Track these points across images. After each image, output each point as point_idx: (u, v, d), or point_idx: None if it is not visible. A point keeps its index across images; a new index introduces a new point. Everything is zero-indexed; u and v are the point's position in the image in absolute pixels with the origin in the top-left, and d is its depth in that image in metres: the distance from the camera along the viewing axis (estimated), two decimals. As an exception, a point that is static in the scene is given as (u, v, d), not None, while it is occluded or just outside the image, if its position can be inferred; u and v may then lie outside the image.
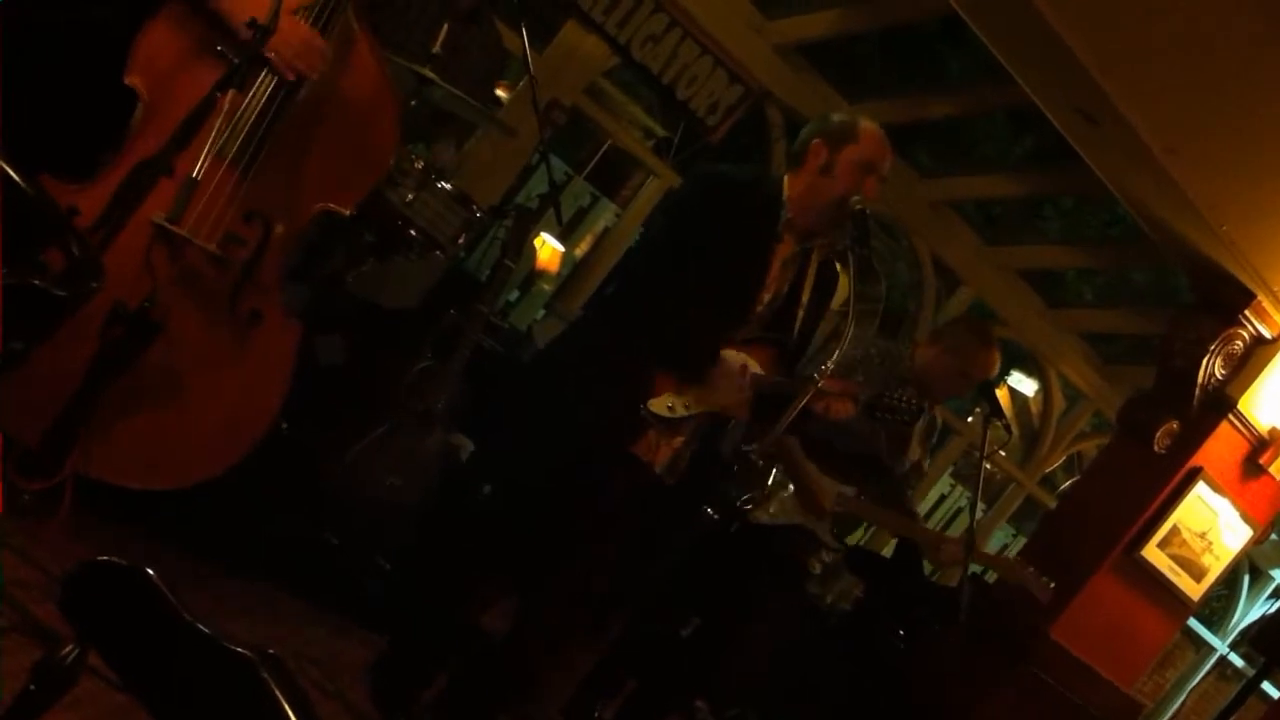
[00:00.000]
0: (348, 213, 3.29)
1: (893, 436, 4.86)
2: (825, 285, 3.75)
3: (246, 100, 2.96)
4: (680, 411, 3.50)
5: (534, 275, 8.68)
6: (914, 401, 3.73)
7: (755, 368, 3.60)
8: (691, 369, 3.51)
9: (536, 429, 3.64)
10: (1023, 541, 9.09)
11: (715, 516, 4.15)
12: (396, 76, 3.54)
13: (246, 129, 2.97)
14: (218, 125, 2.91)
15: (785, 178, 3.64)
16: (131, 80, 2.89)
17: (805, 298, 3.70)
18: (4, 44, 2.74)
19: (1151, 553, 5.80)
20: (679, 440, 3.57)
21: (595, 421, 3.46)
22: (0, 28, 2.65)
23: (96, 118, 2.96)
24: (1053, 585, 4.62)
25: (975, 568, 5.42)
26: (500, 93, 5.96)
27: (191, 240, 2.90)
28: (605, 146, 9.16)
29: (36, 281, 1.84)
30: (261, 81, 2.98)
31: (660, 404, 3.48)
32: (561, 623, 3.68)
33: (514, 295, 8.45)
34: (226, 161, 2.95)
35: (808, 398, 3.40)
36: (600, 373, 3.47)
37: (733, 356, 3.57)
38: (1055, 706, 5.75)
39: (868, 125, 3.62)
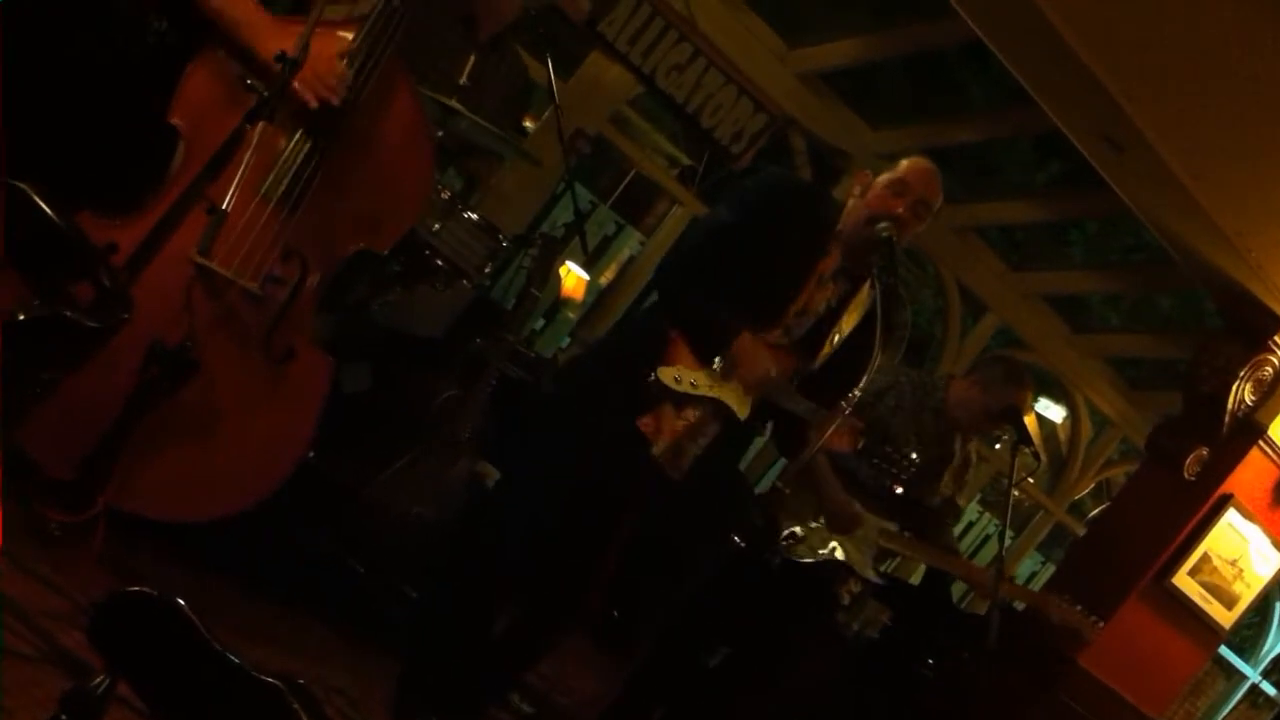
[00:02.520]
0: (385, 253, 3.33)
1: (926, 470, 4.87)
2: (870, 324, 3.69)
3: (291, 143, 2.99)
4: (687, 386, 3.47)
5: (559, 303, 8.69)
6: (909, 464, 3.74)
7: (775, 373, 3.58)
8: (709, 340, 3.50)
9: (556, 433, 3.63)
10: (1051, 569, 9.03)
11: (741, 544, 4.14)
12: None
13: (291, 172, 2.99)
14: (261, 166, 2.93)
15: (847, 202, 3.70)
16: (175, 120, 2.93)
17: (845, 326, 3.70)
18: (51, 82, 2.79)
19: (1182, 580, 5.75)
20: (682, 424, 3.52)
21: (605, 393, 3.46)
22: (43, 68, 2.71)
23: (142, 154, 3.00)
24: (1100, 624, 4.61)
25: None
26: (526, 123, 5.99)
27: (235, 281, 2.93)
28: (630, 175, 9.19)
29: (67, 313, 1.85)
30: (303, 125, 3.01)
31: (669, 373, 3.47)
32: (556, 617, 3.69)
33: (539, 323, 8.46)
34: (271, 204, 2.98)
35: (820, 424, 3.40)
36: (618, 337, 3.48)
37: (763, 352, 3.55)
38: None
39: (914, 159, 3.70)
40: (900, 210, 3.57)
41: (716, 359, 3.52)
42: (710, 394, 3.52)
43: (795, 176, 3.84)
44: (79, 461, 2.73)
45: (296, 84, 2.92)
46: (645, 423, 3.47)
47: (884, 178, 3.63)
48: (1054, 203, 7.64)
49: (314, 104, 2.98)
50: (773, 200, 3.65)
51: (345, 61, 3.03)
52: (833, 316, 3.69)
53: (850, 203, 3.67)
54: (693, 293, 3.52)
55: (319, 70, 2.95)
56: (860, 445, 3.68)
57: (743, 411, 3.59)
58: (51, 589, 2.72)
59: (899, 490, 4.74)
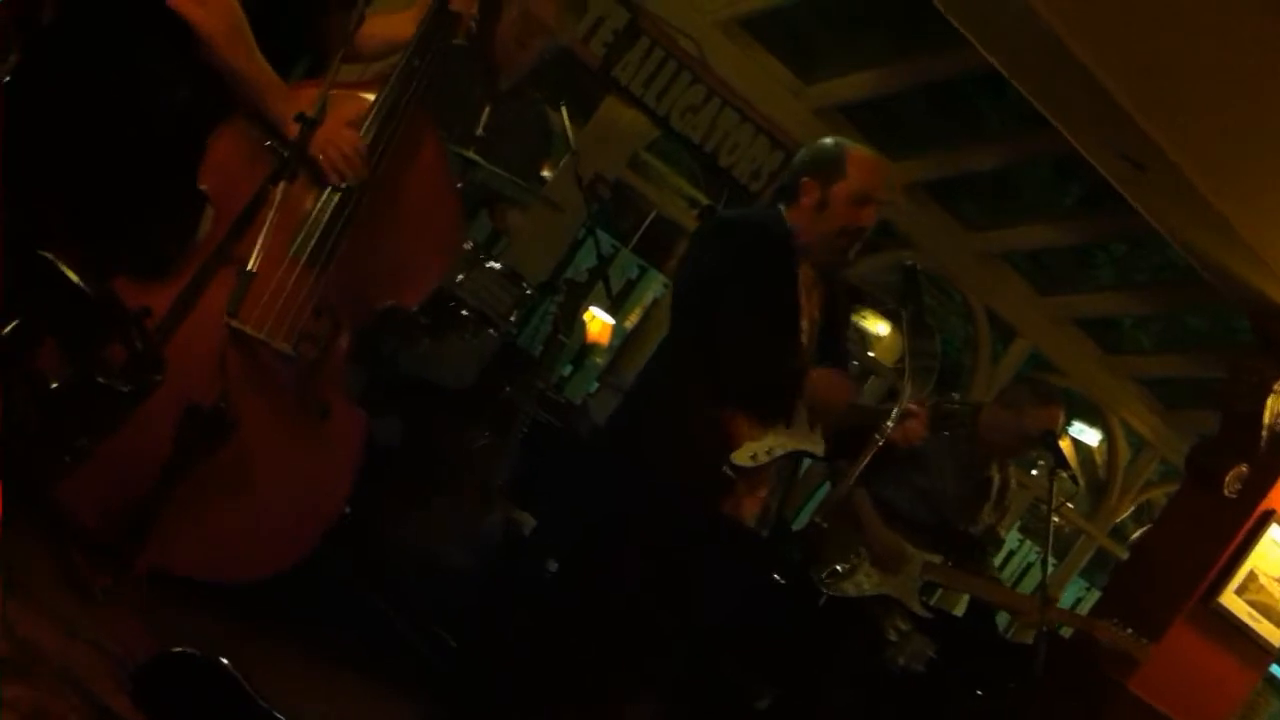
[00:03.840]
0: (413, 309, 3.35)
1: (965, 499, 4.84)
2: (846, 304, 3.76)
3: (319, 203, 3.02)
4: (764, 459, 3.46)
5: (586, 349, 8.70)
6: (964, 403, 3.71)
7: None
8: (769, 403, 3.49)
9: (615, 505, 3.61)
10: (1096, 595, 8.93)
11: (782, 581, 4.12)
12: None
13: (320, 230, 3.02)
14: (287, 226, 2.96)
15: (782, 209, 3.63)
16: (203, 184, 2.98)
17: (838, 318, 3.70)
18: (82, 152, 2.83)
19: (1229, 600, 5.68)
20: (764, 490, 3.53)
21: (681, 487, 3.44)
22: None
23: (173, 219, 3.03)
24: (1149, 645, 4.56)
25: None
26: (545, 172, 6.03)
27: (268, 343, 2.95)
28: (650, 217, 9.21)
29: (100, 378, 1.86)
30: (330, 184, 3.04)
31: (743, 455, 3.45)
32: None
33: (567, 369, 8.47)
34: (302, 262, 3.00)
35: (876, 446, 3.38)
36: (674, 437, 3.45)
37: (830, 377, 3.54)
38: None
39: (856, 154, 3.60)
40: (871, 221, 3.56)
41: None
42: (789, 450, 3.51)
43: (731, 215, 3.82)
44: (120, 524, 2.74)
45: (320, 157, 2.95)
46: (728, 506, 3.47)
47: (843, 191, 3.55)
48: (1078, 225, 7.61)
49: (339, 183, 3.01)
50: (728, 245, 3.61)
51: (364, 132, 3.06)
52: (830, 321, 3.69)
53: (803, 214, 3.58)
54: (742, 370, 3.49)
55: (340, 147, 2.98)
56: (932, 430, 3.64)
57: (821, 448, 3.59)
58: (96, 650, 2.72)
59: (939, 521, 4.73)
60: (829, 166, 3.57)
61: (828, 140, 3.69)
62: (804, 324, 3.62)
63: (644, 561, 3.48)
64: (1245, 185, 5.03)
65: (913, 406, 3.47)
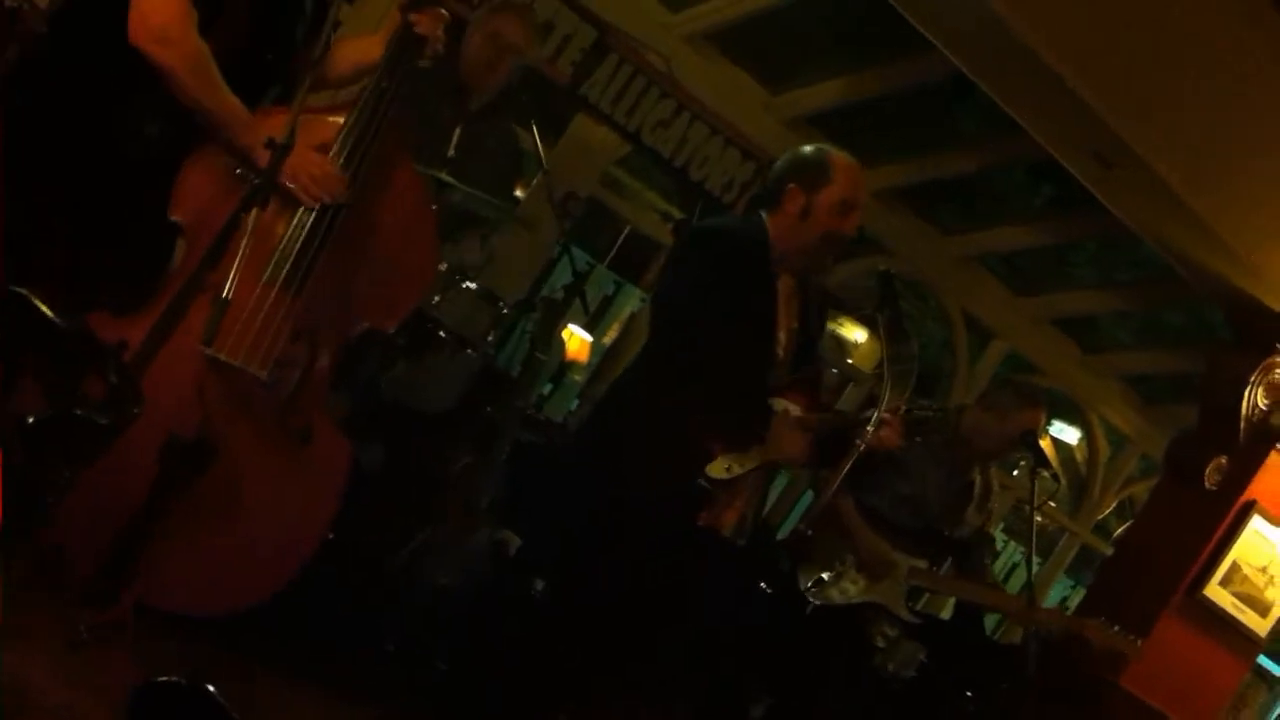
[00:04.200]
0: (391, 330, 3.34)
1: (948, 503, 4.86)
2: (823, 311, 3.79)
3: (292, 228, 3.02)
4: (739, 470, 3.48)
5: (565, 367, 8.70)
6: (936, 408, 3.73)
7: (796, 412, 3.57)
8: (749, 423, 3.50)
9: (588, 518, 3.62)
10: (1082, 592, 8.95)
11: (769, 590, 4.13)
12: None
13: (294, 255, 3.02)
14: (261, 252, 2.95)
15: (765, 217, 3.63)
16: (175, 216, 2.97)
17: (813, 329, 3.71)
18: (53, 190, 2.83)
19: (1214, 591, 5.71)
20: (740, 500, 3.54)
21: (655, 495, 3.44)
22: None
23: (146, 252, 3.03)
24: (1139, 642, 4.58)
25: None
26: (518, 192, 6.04)
27: (245, 369, 2.94)
28: (625, 233, 9.23)
29: (78, 411, 1.86)
30: (302, 209, 3.03)
31: (718, 468, 3.46)
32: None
33: (547, 388, 8.46)
34: (276, 287, 3.00)
35: (856, 454, 3.39)
36: (649, 450, 3.46)
37: (785, 431, 3.55)
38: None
39: (840, 161, 3.62)
40: (853, 229, 3.58)
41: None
42: (762, 461, 3.52)
43: (710, 224, 3.84)
44: (104, 558, 2.73)
45: (292, 184, 2.95)
46: (704, 518, 3.47)
47: (827, 198, 3.57)
48: (1052, 226, 7.64)
49: (313, 204, 3.00)
50: (705, 254, 3.63)
51: (334, 155, 3.06)
52: (806, 330, 3.70)
53: (786, 221, 3.59)
54: (717, 382, 3.49)
55: (310, 170, 2.98)
56: (905, 437, 3.65)
57: (801, 460, 3.60)
58: (83, 688, 2.70)
59: (923, 526, 4.74)
60: (814, 173, 3.58)
61: (808, 147, 3.70)
62: (781, 335, 3.63)
63: (623, 572, 3.48)
64: (1215, 179, 5.08)
65: (886, 414, 3.48)
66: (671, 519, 3.47)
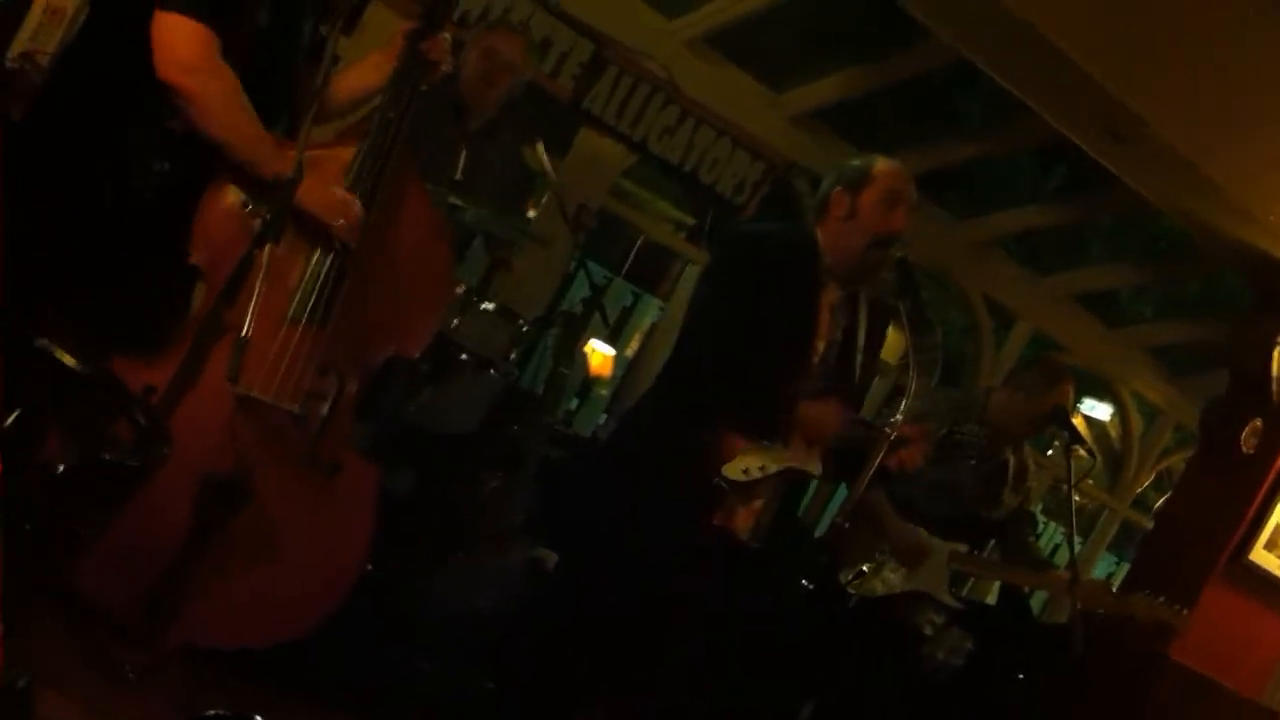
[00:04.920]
0: (415, 356, 3.35)
1: (983, 486, 4.83)
2: (878, 329, 3.76)
3: (311, 262, 3.02)
4: (756, 474, 3.47)
5: (589, 382, 8.71)
6: (980, 438, 3.72)
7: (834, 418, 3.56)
8: (765, 425, 3.49)
9: (612, 523, 3.62)
10: (1126, 568, 8.89)
11: (810, 587, 4.11)
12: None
13: (317, 289, 3.01)
14: (281, 288, 2.96)
15: (815, 229, 3.66)
16: (194, 259, 2.95)
17: (861, 342, 3.70)
18: (67, 236, 2.84)
19: (1260, 555, 5.67)
20: (758, 503, 3.53)
21: (671, 499, 3.44)
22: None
23: (167, 294, 3.02)
24: (1186, 612, 4.55)
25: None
26: (530, 212, 6.06)
27: (277, 405, 2.95)
28: (639, 243, 9.24)
29: (106, 455, 1.87)
30: (321, 243, 3.03)
31: (735, 468, 3.46)
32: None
33: (574, 403, 8.47)
34: (301, 323, 3.00)
35: (882, 452, 3.37)
36: (668, 449, 3.46)
37: (822, 411, 3.54)
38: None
39: (882, 163, 3.66)
40: (901, 224, 3.58)
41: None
42: (784, 467, 3.51)
43: (751, 229, 3.87)
44: (145, 601, 2.73)
45: (324, 217, 2.95)
46: (721, 517, 3.47)
47: (872, 196, 3.60)
48: (1066, 205, 7.63)
49: (350, 239, 3.00)
50: (742, 261, 3.64)
51: (350, 189, 3.05)
52: (850, 343, 3.69)
53: (833, 227, 3.63)
54: (728, 390, 3.50)
55: (333, 205, 2.97)
56: (929, 455, 3.64)
57: (817, 468, 3.60)
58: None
59: (960, 511, 4.72)
60: (856, 177, 3.64)
61: (855, 159, 3.76)
62: (819, 344, 3.62)
63: (631, 578, 3.48)
64: (1227, 145, 5.05)
65: (907, 431, 3.48)
66: (685, 522, 3.46)
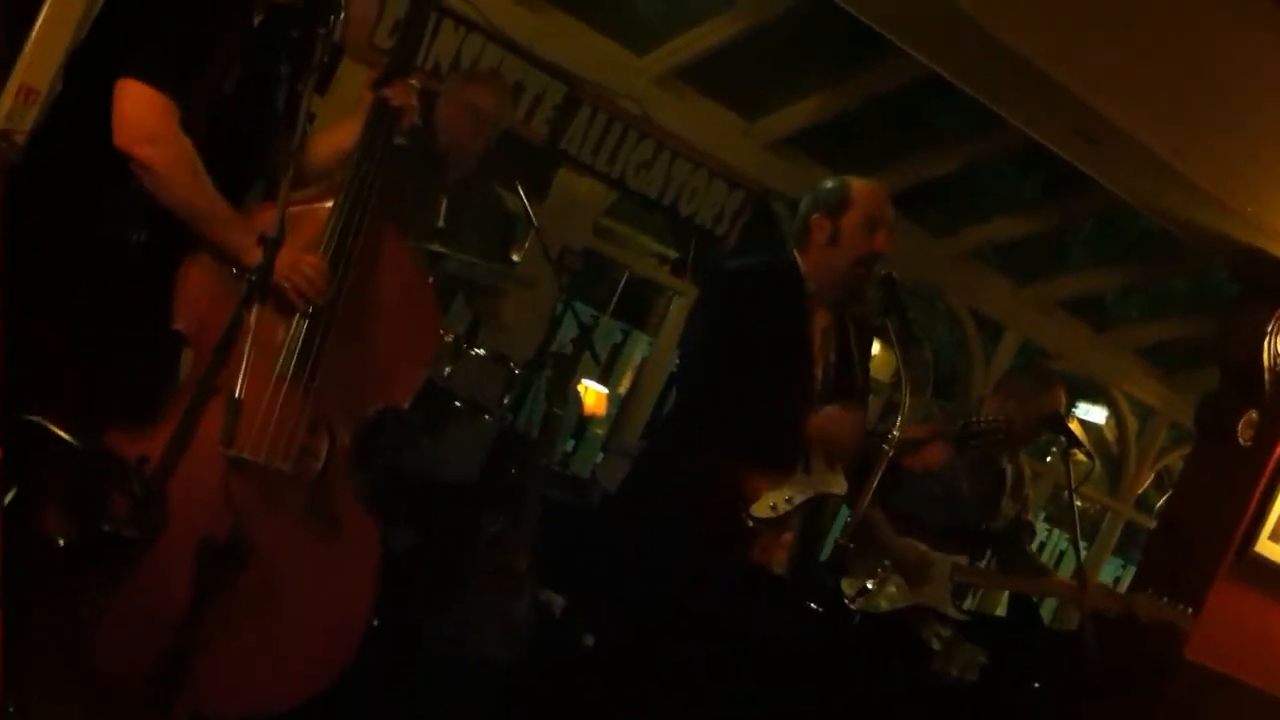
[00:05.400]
0: (406, 406, 3.34)
1: (981, 496, 4.83)
2: (866, 343, 3.78)
3: (295, 320, 3.02)
4: (785, 508, 3.47)
5: (585, 422, 8.71)
6: (995, 420, 3.74)
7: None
8: (782, 456, 3.49)
9: (637, 570, 3.60)
10: (1133, 570, 8.88)
11: (819, 610, 4.09)
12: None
13: (300, 347, 3.02)
14: (268, 347, 2.96)
15: (796, 254, 3.67)
16: (178, 326, 2.96)
17: (856, 358, 3.71)
18: (51, 312, 2.84)
19: (1265, 547, 5.66)
20: (788, 535, 3.53)
21: (700, 541, 3.43)
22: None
23: (154, 363, 3.02)
24: (1190, 611, 4.54)
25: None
26: (515, 256, 6.08)
27: (269, 465, 2.94)
28: (624, 280, 9.27)
29: (105, 527, 1.86)
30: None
31: (763, 506, 3.46)
32: None
33: (570, 444, 8.46)
34: (287, 381, 3.00)
35: (895, 458, 3.38)
36: (689, 494, 3.45)
37: (837, 415, 3.54)
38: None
39: (859, 185, 3.68)
40: (884, 245, 3.60)
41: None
42: (811, 495, 3.52)
43: (734, 265, 3.92)
44: (154, 670, 2.72)
45: (286, 285, 2.95)
46: (756, 555, 3.47)
47: (852, 219, 3.61)
48: (1045, 213, 7.66)
49: (306, 308, 3.01)
50: (729, 298, 3.66)
51: (324, 246, 3.06)
52: (846, 363, 3.70)
53: (816, 254, 3.64)
54: (738, 429, 3.50)
55: (302, 271, 2.98)
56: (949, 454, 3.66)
57: (842, 488, 3.60)
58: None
59: (959, 523, 4.71)
60: (834, 201, 3.65)
61: (828, 181, 3.76)
62: (817, 370, 3.63)
63: (684, 622, 3.46)
64: (1201, 140, 5.08)
65: (921, 433, 3.50)
66: (722, 561, 3.46)
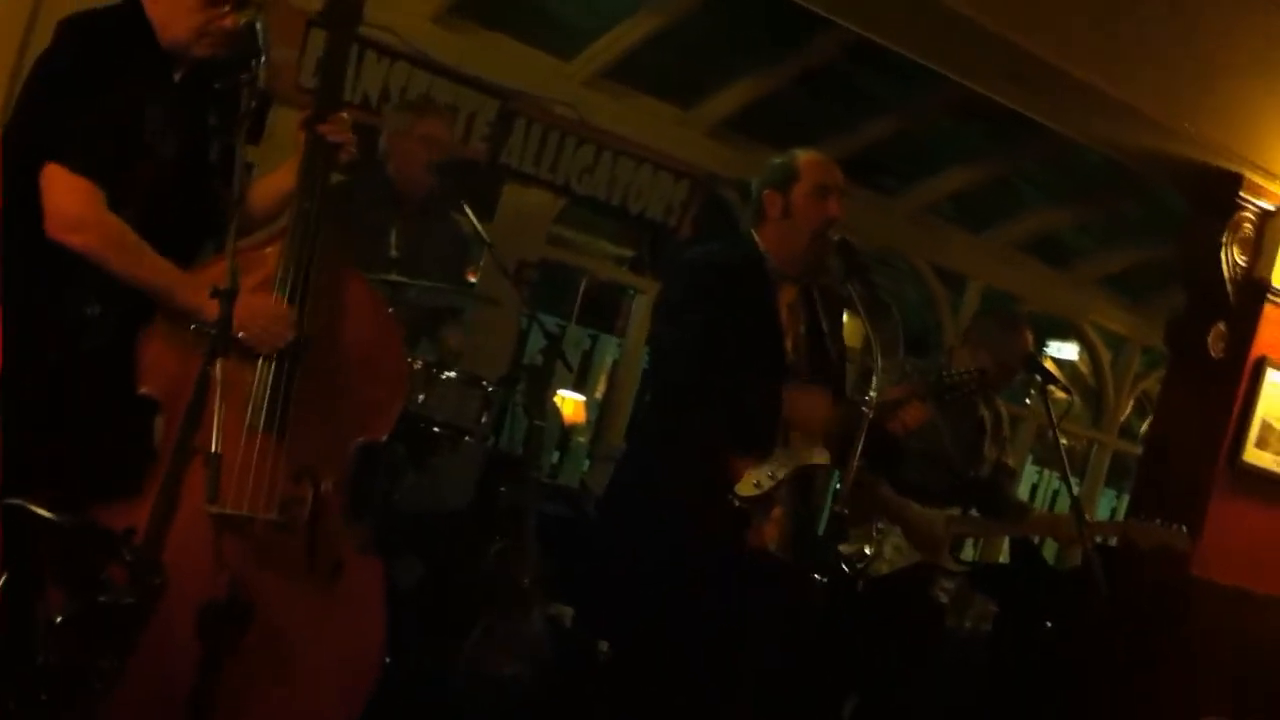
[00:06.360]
0: (384, 439, 3.33)
1: (964, 446, 4.84)
2: (836, 315, 3.79)
3: (260, 369, 3.01)
4: (768, 484, 3.48)
5: (567, 432, 8.70)
6: (968, 370, 3.76)
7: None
8: (762, 435, 3.50)
9: (635, 572, 3.60)
10: (1128, 499, 8.94)
11: (825, 581, 4.10)
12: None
13: (268, 395, 3.01)
14: (238, 400, 2.94)
15: (753, 233, 3.68)
16: (145, 390, 2.95)
17: (826, 329, 3.72)
18: (17, 397, 2.81)
19: (1254, 455, 5.70)
20: (778, 511, 3.54)
21: (693, 533, 3.43)
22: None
23: (127, 433, 3.00)
24: (1185, 529, 4.57)
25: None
26: (471, 278, 6.07)
27: (253, 517, 2.93)
28: (584, 286, 9.26)
29: (101, 599, 1.85)
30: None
31: (746, 485, 3.47)
32: None
33: (555, 457, 8.45)
34: (260, 432, 2.99)
35: (874, 420, 3.39)
36: (676, 487, 3.46)
37: (806, 395, 3.55)
38: (1225, 641, 5.60)
39: (805, 156, 3.71)
40: (836, 211, 3.61)
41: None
42: (794, 468, 3.52)
43: (693, 254, 3.94)
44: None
45: (244, 335, 2.93)
46: (751, 538, 3.47)
47: (802, 190, 3.63)
48: (991, 159, 7.69)
49: (272, 353, 2.99)
50: (692, 287, 3.66)
51: (278, 287, 3.04)
52: (817, 334, 3.71)
53: (772, 229, 3.67)
54: (716, 414, 3.51)
55: (259, 317, 2.96)
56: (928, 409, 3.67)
57: (825, 458, 3.61)
58: None
59: (948, 475, 4.72)
60: (782, 174, 3.68)
61: (777, 157, 3.78)
62: (788, 344, 3.64)
63: (686, 615, 3.46)
64: (1123, 59, 5.11)
65: (898, 394, 3.51)
66: (716, 550, 3.46)
